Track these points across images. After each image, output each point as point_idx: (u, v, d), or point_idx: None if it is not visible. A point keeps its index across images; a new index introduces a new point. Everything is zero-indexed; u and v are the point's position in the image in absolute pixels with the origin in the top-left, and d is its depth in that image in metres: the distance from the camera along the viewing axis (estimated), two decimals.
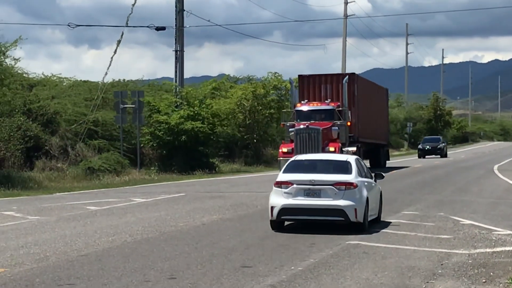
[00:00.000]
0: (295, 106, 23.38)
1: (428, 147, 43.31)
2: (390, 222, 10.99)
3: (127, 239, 9.43)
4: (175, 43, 27.77)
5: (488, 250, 8.40)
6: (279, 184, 9.89)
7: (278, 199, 9.72)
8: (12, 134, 21.96)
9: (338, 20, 53.52)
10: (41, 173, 21.60)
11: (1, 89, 20.47)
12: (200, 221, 11.64)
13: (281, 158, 20.36)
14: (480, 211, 13.17)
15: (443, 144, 44.95)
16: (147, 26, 28.96)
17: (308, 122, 21.47)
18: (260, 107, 32.67)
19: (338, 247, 8.33)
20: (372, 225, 10.37)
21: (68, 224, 11.30)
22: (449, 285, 6.19)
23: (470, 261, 7.49)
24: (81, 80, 32.45)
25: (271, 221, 9.92)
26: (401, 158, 43.37)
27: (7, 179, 18.73)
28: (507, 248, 8.45)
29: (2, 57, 20.30)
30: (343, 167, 10.14)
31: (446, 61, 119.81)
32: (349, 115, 22.52)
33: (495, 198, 16.21)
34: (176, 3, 27.50)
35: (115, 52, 26.61)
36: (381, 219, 11.09)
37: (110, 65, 26.53)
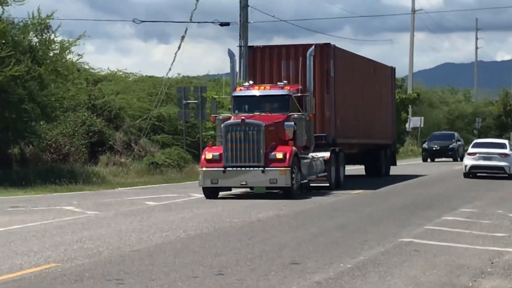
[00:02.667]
0: (234, 91, 16.48)
1: (436, 146, 35.06)
2: (446, 220, 11.24)
3: (181, 234, 9.64)
4: (239, 38, 28.29)
5: None
6: (469, 154, 22.79)
7: (469, 161, 22.50)
8: (76, 129, 23.31)
9: (408, 15, 53.43)
10: (105, 168, 22.72)
11: (65, 85, 21.66)
12: (255, 217, 11.79)
13: (203, 169, 14.68)
14: None
15: (459, 143, 35.77)
16: (212, 22, 29.73)
17: (247, 115, 15.14)
18: None
19: (390, 245, 8.45)
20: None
21: (125, 220, 11.71)
22: (496, 283, 6.17)
23: None
24: (146, 76, 33.68)
25: (464, 173, 22.52)
26: None
27: (71, 174, 19.88)
28: None
29: (66, 53, 21.46)
30: (503, 146, 23.44)
31: None
32: (308, 104, 15.60)
33: None
34: None
35: (179, 47, 27.43)
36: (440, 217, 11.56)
37: (174, 60, 27.31)
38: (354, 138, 19.91)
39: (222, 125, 15.01)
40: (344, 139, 18.45)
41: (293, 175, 14.31)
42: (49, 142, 22.35)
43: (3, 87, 18.80)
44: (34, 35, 20.71)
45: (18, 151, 22.06)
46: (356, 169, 23.31)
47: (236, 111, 15.89)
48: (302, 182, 15.27)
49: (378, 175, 21.97)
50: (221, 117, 16.12)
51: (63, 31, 21.70)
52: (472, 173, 22.46)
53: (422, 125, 48.45)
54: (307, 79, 16.11)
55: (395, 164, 24.48)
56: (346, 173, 19.68)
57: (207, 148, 15.79)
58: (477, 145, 23.91)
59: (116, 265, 7.13)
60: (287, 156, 14.20)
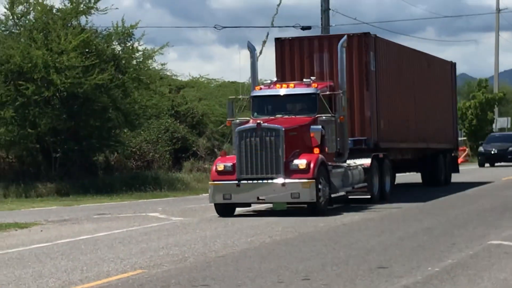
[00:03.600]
0: (254, 91, 14.44)
1: (494, 150, 31.84)
2: None
3: (266, 240, 9.59)
4: None
5: None
6: None
7: None
8: (160, 136, 24.05)
9: (493, 14, 52.76)
10: (189, 174, 23.18)
11: (148, 92, 22.38)
12: (340, 221, 11.63)
13: (213, 184, 12.69)
14: None
15: None
16: (293, 26, 30.00)
17: (267, 118, 13.20)
18: None
19: (479, 247, 8.39)
20: None
21: (210, 225, 11.71)
22: None
23: None
24: (228, 81, 34.47)
25: None
26: None
27: (156, 180, 20.44)
28: None
29: (149, 62, 22.22)
30: None
31: None
32: (339, 104, 13.54)
33: None
34: (321, 3, 28.16)
35: (260, 52, 27.66)
36: None
37: None
38: (403, 142, 17.55)
39: (236, 130, 12.95)
40: (389, 143, 16.26)
41: (320, 188, 12.26)
42: (133, 149, 23.20)
43: (87, 95, 19.53)
44: (117, 43, 21.58)
45: (103, 159, 23.04)
46: (412, 177, 21.35)
47: (256, 114, 13.81)
48: (333, 195, 13.55)
49: (436, 183, 19.65)
50: (238, 121, 13.68)
51: (145, 39, 22.19)
52: None
53: (509, 126, 45.93)
54: (339, 74, 14.18)
55: (457, 171, 21.96)
56: (400, 182, 18.42)
57: (219, 158, 13.77)
58: None
59: (202, 271, 7.11)
60: (312, 165, 12.12)
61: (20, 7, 20.49)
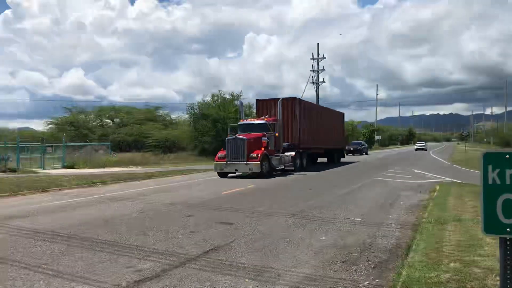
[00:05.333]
0: (240, 122, 28.83)
1: (351, 147, 60.46)
2: (390, 171, 19.45)
3: (244, 188, 11.32)
4: None
5: None
6: None
7: None
8: None
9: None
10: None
11: None
12: (279, 180, 23.49)
13: (215, 162, 25.36)
14: None
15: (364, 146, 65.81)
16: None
17: (244, 133, 26.28)
18: None
19: (369, 180, 17.53)
20: None
21: (219, 181, 15.49)
22: (409, 193, 15.59)
23: None
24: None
25: None
26: None
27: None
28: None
29: None
30: None
31: None
32: (278, 128, 27.37)
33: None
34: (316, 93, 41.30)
35: (302, 96, 39.67)
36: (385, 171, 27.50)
37: None
38: (315, 145, 33.03)
39: (226, 139, 25.49)
40: (306, 145, 30.85)
41: (263, 166, 24.54)
42: None
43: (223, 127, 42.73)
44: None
45: None
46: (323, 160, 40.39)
47: (239, 131, 27.17)
48: (277, 168, 26.51)
49: (333, 162, 39.25)
50: (232, 135, 25.77)
51: None
52: None
53: (380, 139, 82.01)
54: (278, 114, 28.46)
55: (344, 157, 44.01)
56: (320, 161, 39.29)
57: (219, 151, 25.90)
58: None
59: (222, 201, 8.44)
60: (259, 155, 24.49)
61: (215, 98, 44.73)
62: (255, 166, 24.18)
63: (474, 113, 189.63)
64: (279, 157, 26.83)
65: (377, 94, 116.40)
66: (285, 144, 28.95)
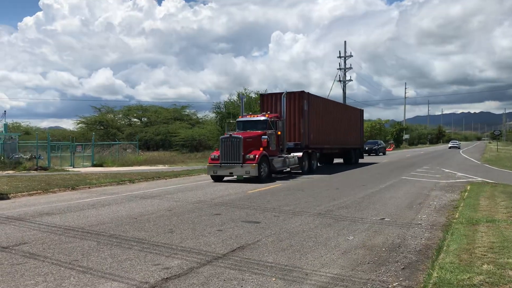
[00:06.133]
0: (238, 118, 25.58)
1: (365, 147, 56.54)
2: (417, 171, 20.58)
3: (242, 193, 10.98)
4: None
5: None
6: None
7: None
8: None
9: None
10: None
11: None
12: (281, 185, 20.04)
13: (208, 164, 22.34)
14: None
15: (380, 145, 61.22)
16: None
17: (242, 132, 23.23)
18: None
19: (397, 179, 17.92)
20: None
21: (216, 186, 13.96)
22: (438, 193, 15.77)
23: None
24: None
25: None
26: None
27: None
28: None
29: None
30: None
31: None
32: (281, 125, 24.48)
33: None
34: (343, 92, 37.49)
35: (330, 91, 37.21)
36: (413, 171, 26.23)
37: None
38: (326, 144, 30.53)
39: (220, 138, 22.41)
40: (316, 145, 28.30)
41: (261, 169, 21.49)
42: None
43: None
44: None
45: None
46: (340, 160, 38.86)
47: (237, 129, 24.23)
48: (281, 171, 24.90)
49: (349, 163, 36.57)
50: (225, 133, 23.07)
51: None
52: None
53: (408, 138, 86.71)
54: (282, 110, 25.33)
55: (362, 157, 40.63)
56: (336, 162, 38.01)
57: (213, 152, 23.17)
58: None
59: (217, 203, 8.42)
60: (256, 157, 21.39)
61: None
62: (252, 169, 21.06)
63: (506, 111, 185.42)
64: (282, 158, 23.91)
65: (405, 92, 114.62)
66: (291, 144, 26.43)
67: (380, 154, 58.04)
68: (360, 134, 39.08)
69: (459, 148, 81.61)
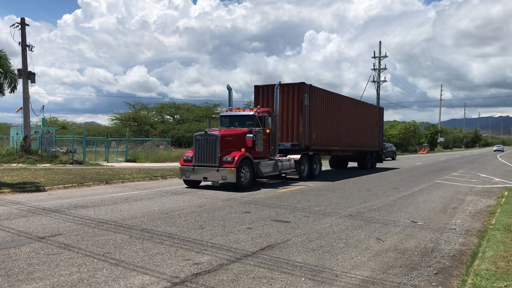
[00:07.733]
0: (222, 113, 21.36)
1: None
2: (451, 175, 20.41)
3: (217, 201, 10.85)
4: None
5: None
6: None
7: None
8: None
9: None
10: None
11: None
12: (273, 192, 16.39)
13: (180, 166, 18.60)
14: None
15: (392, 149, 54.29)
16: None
17: (225, 128, 19.69)
18: None
19: (431, 183, 20.12)
20: None
21: (197, 192, 13.49)
22: (474, 198, 14.85)
23: None
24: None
25: None
26: None
27: None
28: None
29: None
30: None
31: None
32: (272, 122, 20.28)
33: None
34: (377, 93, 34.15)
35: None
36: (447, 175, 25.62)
37: None
38: (335, 146, 26.40)
39: (194, 135, 18.70)
40: (319, 147, 24.22)
41: (242, 174, 17.76)
42: None
43: None
44: None
45: None
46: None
47: (220, 126, 20.53)
48: (267, 175, 19.87)
49: (365, 168, 32.44)
50: (203, 131, 19.08)
51: None
52: None
53: (443, 141, 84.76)
54: (275, 104, 21.04)
55: (381, 162, 36.15)
56: (350, 166, 33.92)
57: (186, 152, 20.04)
58: None
59: (201, 210, 8.41)
60: (236, 159, 17.57)
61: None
62: (228, 174, 17.34)
63: None
64: (273, 161, 20.11)
65: (441, 94, 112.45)
66: (288, 144, 22.58)
67: (388, 158, 50.70)
68: (379, 136, 34.48)
69: (503, 152, 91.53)
